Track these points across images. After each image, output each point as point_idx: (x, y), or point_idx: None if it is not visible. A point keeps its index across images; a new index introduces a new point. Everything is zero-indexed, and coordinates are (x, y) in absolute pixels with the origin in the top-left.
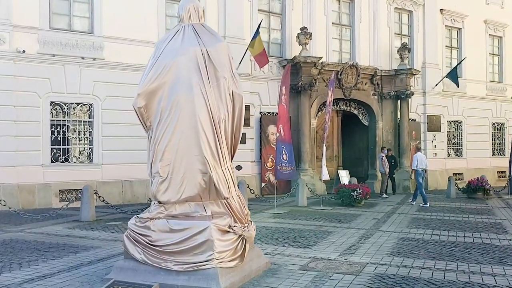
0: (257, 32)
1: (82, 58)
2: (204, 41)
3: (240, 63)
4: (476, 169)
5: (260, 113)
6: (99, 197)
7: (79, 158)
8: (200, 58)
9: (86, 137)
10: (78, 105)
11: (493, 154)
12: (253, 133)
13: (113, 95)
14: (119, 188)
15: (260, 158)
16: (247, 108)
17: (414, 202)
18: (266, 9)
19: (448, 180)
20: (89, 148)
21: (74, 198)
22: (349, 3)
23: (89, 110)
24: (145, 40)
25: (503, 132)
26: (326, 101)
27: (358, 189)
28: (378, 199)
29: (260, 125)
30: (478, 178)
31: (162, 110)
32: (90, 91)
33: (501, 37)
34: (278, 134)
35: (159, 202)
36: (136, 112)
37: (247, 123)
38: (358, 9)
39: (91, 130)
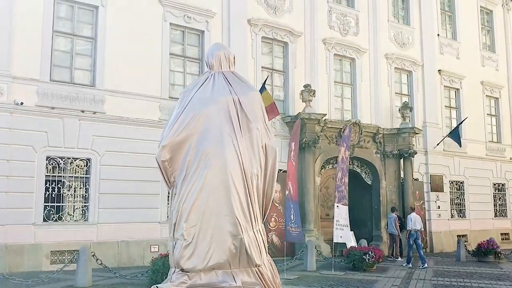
0: (263, 87)
1: (82, 111)
2: (235, 89)
3: None
4: (480, 230)
5: None
6: (97, 259)
7: (73, 216)
8: (232, 108)
9: (82, 194)
10: (75, 160)
11: (495, 215)
12: None
13: (112, 150)
14: (115, 249)
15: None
16: None
17: (425, 264)
18: (270, 66)
19: (458, 243)
20: (85, 206)
21: (68, 261)
22: (350, 62)
23: (86, 165)
24: (147, 94)
25: (504, 193)
26: (329, 158)
27: (370, 252)
28: (388, 263)
29: None
30: (488, 240)
31: (188, 164)
32: (88, 146)
33: (497, 98)
34: (287, 192)
35: (182, 270)
36: (160, 167)
37: None
38: (359, 68)
39: (87, 186)
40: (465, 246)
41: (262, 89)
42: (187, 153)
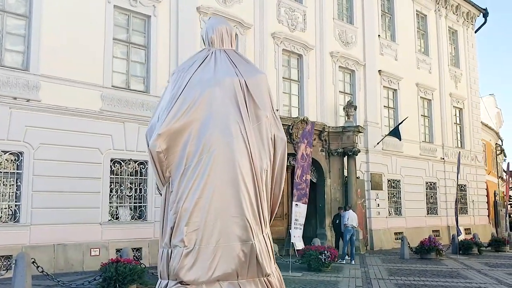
0: None
1: (14, 98)
2: (241, 70)
3: None
4: (414, 228)
5: None
6: (38, 267)
7: (1, 217)
8: (239, 92)
9: (13, 192)
10: (5, 154)
11: (428, 213)
12: None
13: (48, 143)
14: (50, 253)
15: None
16: None
17: (353, 261)
18: None
19: (401, 240)
20: (16, 206)
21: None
22: (298, 58)
23: (18, 160)
24: (88, 82)
25: (435, 191)
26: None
27: (326, 252)
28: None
29: None
30: (429, 238)
31: (188, 156)
32: (21, 138)
33: (430, 100)
34: None
35: (181, 283)
36: (153, 159)
37: None
38: (306, 65)
39: (19, 183)
40: (409, 244)
41: None
42: (187, 143)
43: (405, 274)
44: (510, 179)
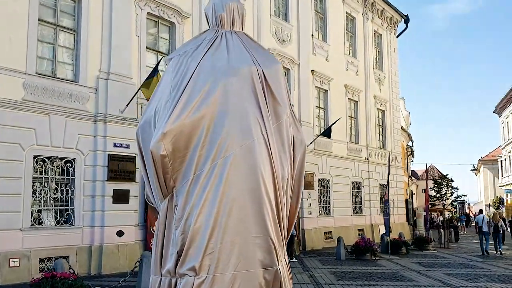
0: (156, 71)
1: None
2: (257, 58)
3: (127, 106)
4: (342, 227)
5: None
6: None
7: None
8: (258, 83)
9: None
10: None
11: (354, 212)
12: (137, 190)
13: None
14: None
15: (145, 221)
16: (132, 160)
17: None
18: (155, 48)
19: (338, 241)
20: None
21: None
22: None
23: None
24: (8, 67)
25: (360, 191)
26: None
27: None
28: None
29: None
30: (363, 238)
31: (199, 160)
32: None
33: (356, 101)
34: None
35: None
36: (155, 164)
37: (131, 178)
38: None
39: None
40: (345, 245)
41: (154, 73)
42: (197, 145)
43: (352, 278)
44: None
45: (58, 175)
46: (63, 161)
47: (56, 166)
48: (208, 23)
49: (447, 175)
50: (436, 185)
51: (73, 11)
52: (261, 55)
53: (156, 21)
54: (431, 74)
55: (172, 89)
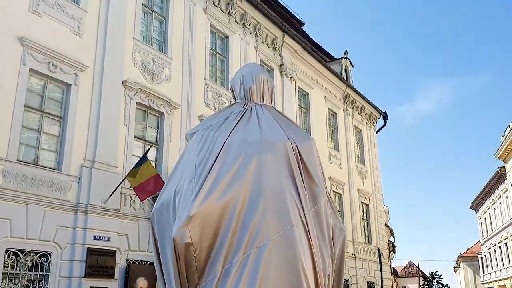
0: (145, 159)
1: None
2: (290, 133)
3: (111, 196)
4: None
5: (127, 261)
6: None
7: None
8: (293, 160)
9: None
10: None
11: None
12: None
13: None
14: None
15: None
16: (112, 254)
17: None
18: (142, 137)
19: None
20: None
21: None
22: None
23: None
24: None
25: None
26: None
27: None
28: None
29: (127, 277)
30: None
31: (228, 251)
32: None
33: (341, 194)
34: None
35: None
36: (177, 254)
37: (110, 275)
38: None
39: None
40: None
41: (143, 160)
42: (227, 230)
43: None
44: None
45: (31, 270)
46: (38, 255)
47: (30, 261)
48: (234, 96)
49: (436, 271)
50: (426, 283)
51: (61, 98)
52: (293, 130)
53: (145, 111)
54: (407, 170)
55: (197, 165)
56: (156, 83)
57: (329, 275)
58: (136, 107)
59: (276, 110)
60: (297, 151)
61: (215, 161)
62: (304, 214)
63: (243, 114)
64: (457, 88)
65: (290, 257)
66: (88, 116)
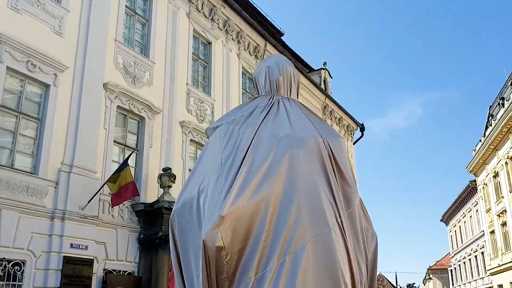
0: (126, 164)
1: None
2: (320, 130)
3: (89, 202)
4: None
5: (105, 270)
6: None
7: None
8: (326, 158)
9: None
10: None
11: None
12: None
13: None
14: None
15: None
16: (89, 264)
17: None
18: (122, 142)
19: None
20: None
21: None
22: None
23: None
24: None
25: None
26: None
27: None
28: None
29: None
30: None
31: (261, 257)
32: None
33: None
34: None
35: None
36: (207, 260)
37: (87, 285)
38: None
39: None
40: None
41: (123, 166)
42: (259, 234)
43: None
44: None
45: (3, 280)
46: (11, 263)
47: (1, 270)
48: (257, 88)
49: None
50: None
51: (39, 99)
52: (323, 126)
53: (126, 115)
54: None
55: (224, 162)
56: (137, 86)
57: (364, 283)
58: (117, 111)
59: (303, 105)
60: (329, 148)
61: (244, 158)
62: (340, 217)
63: (270, 107)
64: (428, 103)
65: (329, 264)
66: (67, 119)
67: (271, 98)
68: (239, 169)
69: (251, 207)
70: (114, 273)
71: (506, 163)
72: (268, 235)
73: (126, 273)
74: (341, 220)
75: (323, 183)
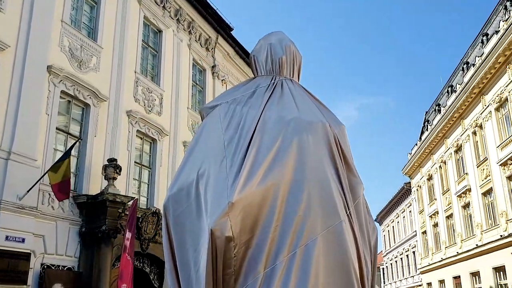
0: (69, 154)
1: None
2: (324, 115)
3: (28, 192)
4: None
5: (42, 265)
6: None
7: None
8: (333, 144)
9: None
10: None
11: None
12: None
13: None
14: None
15: None
16: (26, 258)
17: None
18: (65, 129)
19: None
20: None
21: None
22: (151, 143)
23: None
24: None
25: None
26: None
27: None
28: None
29: (41, 283)
30: None
31: (270, 250)
32: None
33: None
34: None
35: None
36: (214, 252)
37: (23, 280)
38: (159, 151)
39: None
40: None
41: (66, 155)
42: (268, 224)
43: None
44: None
45: None
46: None
47: None
48: (255, 68)
49: None
50: None
51: None
52: (326, 112)
53: (70, 101)
54: None
55: (227, 144)
56: (83, 71)
57: (369, 279)
58: (61, 96)
59: (305, 88)
60: (335, 135)
61: (250, 141)
62: (349, 209)
63: (274, 88)
64: (362, 108)
65: (341, 258)
66: (6, 102)
67: (273, 79)
68: (246, 152)
69: (260, 193)
70: (53, 267)
71: (440, 166)
72: (277, 226)
73: (65, 268)
74: (350, 212)
75: (332, 171)
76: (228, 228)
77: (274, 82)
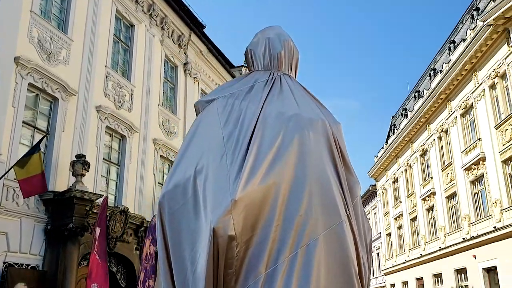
0: (38, 147)
1: None
2: (323, 112)
3: None
4: None
5: (5, 263)
6: None
7: None
8: (333, 142)
9: None
10: None
11: None
12: None
13: None
14: None
15: None
16: None
17: None
18: (32, 123)
19: None
20: None
21: None
22: (120, 139)
23: None
24: None
25: None
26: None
27: None
28: None
29: (3, 283)
30: None
31: (271, 250)
32: None
33: None
34: None
35: None
36: (215, 252)
37: None
38: (128, 148)
39: None
40: None
41: (35, 149)
42: (269, 224)
43: None
44: None
45: None
46: None
47: None
48: (252, 62)
49: None
50: None
51: None
52: (324, 110)
53: (38, 94)
54: None
55: (226, 139)
56: (52, 64)
57: (367, 280)
58: (28, 89)
59: (302, 86)
60: (334, 133)
61: (251, 137)
62: (349, 209)
63: (273, 83)
64: (330, 110)
65: (342, 259)
66: None
67: (271, 74)
68: (247, 149)
69: (262, 191)
70: (16, 266)
71: (405, 170)
72: (278, 225)
73: (29, 267)
74: (349, 212)
75: (331, 170)
76: (231, 226)
77: (272, 77)
